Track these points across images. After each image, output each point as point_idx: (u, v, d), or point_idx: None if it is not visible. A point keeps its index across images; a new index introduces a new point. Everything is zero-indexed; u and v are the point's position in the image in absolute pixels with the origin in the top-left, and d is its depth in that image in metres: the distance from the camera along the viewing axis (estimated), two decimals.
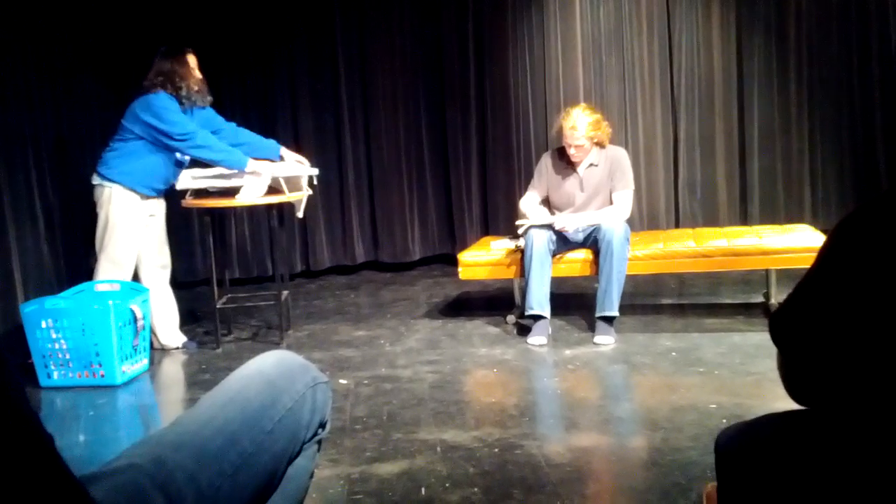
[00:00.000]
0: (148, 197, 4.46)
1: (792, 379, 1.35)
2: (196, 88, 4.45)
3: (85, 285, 4.32)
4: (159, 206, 4.59)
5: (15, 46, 4.84)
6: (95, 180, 4.40)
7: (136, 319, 4.15)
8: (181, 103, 4.37)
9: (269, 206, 4.70)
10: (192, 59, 4.48)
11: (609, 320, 4.29)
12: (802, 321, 1.29)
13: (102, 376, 4.00)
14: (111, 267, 4.36)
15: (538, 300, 4.33)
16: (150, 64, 4.46)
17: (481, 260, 4.67)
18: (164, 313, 4.58)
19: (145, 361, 4.26)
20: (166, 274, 4.64)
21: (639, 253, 4.45)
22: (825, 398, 1.33)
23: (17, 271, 4.60)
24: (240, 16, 6.44)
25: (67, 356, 4.02)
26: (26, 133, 4.85)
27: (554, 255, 4.45)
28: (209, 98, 4.56)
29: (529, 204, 4.63)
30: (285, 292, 4.85)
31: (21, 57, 4.92)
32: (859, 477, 1.25)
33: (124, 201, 4.37)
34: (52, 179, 5.03)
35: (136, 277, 4.49)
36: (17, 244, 4.61)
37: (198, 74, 4.51)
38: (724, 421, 2.97)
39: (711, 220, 6.49)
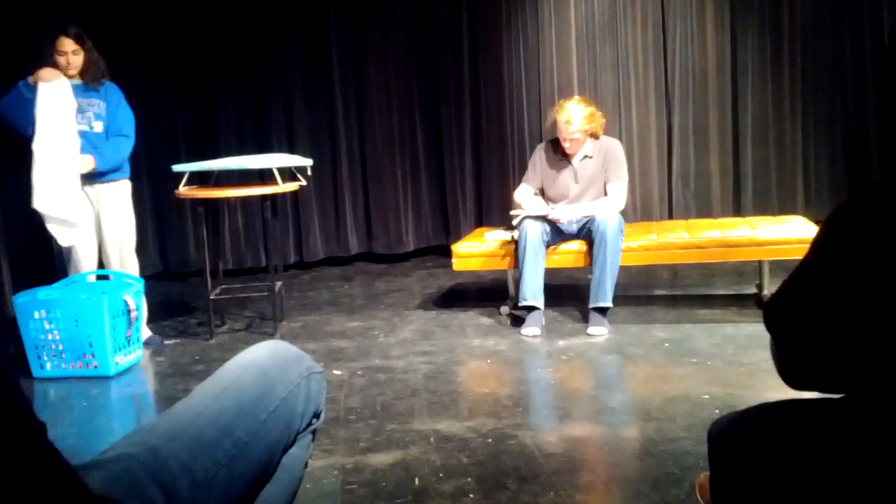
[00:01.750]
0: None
1: (786, 366, 1.36)
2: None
3: (77, 276, 4.31)
4: (103, 195, 4.41)
5: (5, 37, 4.82)
6: None
7: (128, 310, 4.14)
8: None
9: (264, 197, 4.69)
10: (61, 43, 4.26)
11: (603, 311, 4.30)
12: (797, 308, 1.30)
13: (96, 367, 4.00)
14: (68, 264, 4.32)
15: (532, 291, 4.33)
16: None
17: (475, 251, 4.67)
18: None
19: (139, 352, 4.26)
20: (130, 267, 4.47)
21: (632, 244, 4.45)
22: (819, 384, 1.34)
23: (6, 262, 4.59)
24: (233, 7, 6.41)
25: (60, 347, 4.01)
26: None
27: (548, 246, 4.45)
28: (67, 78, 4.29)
29: (524, 195, 4.63)
30: (279, 283, 4.84)
31: (12, 49, 4.90)
32: (852, 465, 1.25)
33: None
34: None
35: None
36: (5, 235, 4.60)
37: (57, 59, 4.25)
38: (717, 411, 2.98)
39: (705, 211, 6.51)
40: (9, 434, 0.90)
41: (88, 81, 4.37)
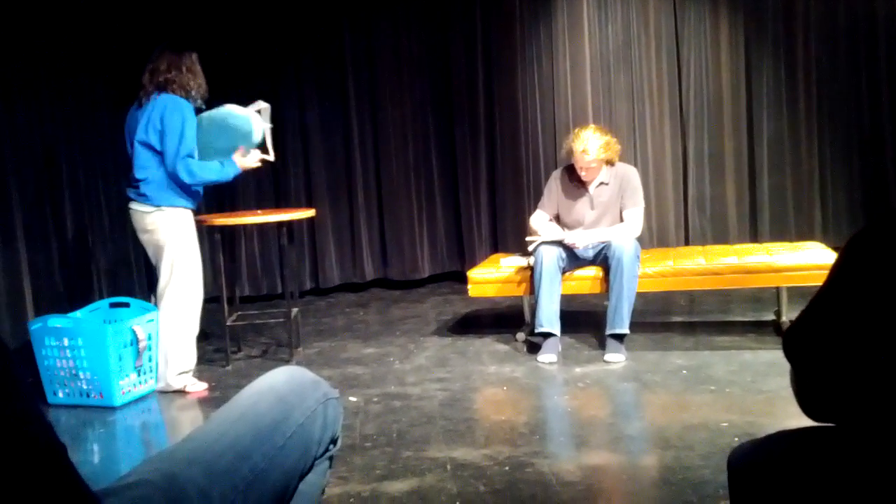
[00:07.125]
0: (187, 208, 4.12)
1: (805, 395, 1.35)
2: (202, 91, 4.15)
3: (101, 303, 4.32)
4: (153, 221, 4.09)
5: (37, 69, 4.89)
6: (142, 207, 4.04)
7: (138, 340, 4.03)
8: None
9: (280, 224, 4.71)
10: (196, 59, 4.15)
11: (619, 338, 4.27)
12: (816, 337, 1.29)
13: (101, 397, 3.94)
14: (184, 290, 4.08)
15: (548, 317, 4.32)
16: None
17: (491, 277, 4.66)
18: (160, 347, 4.14)
19: (153, 382, 4.22)
20: (163, 301, 4.13)
21: (649, 270, 4.44)
22: (839, 414, 1.32)
23: (29, 289, 4.62)
24: (247, 36, 6.48)
25: (72, 374, 3.99)
26: (38, 152, 4.90)
27: (564, 272, 4.44)
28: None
29: (540, 221, 4.63)
30: (295, 310, 4.85)
31: (34, 76, 4.97)
32: (873, 494, 1.24)
33: (177, 221, 4.06)
34: (66, 197, 5.06)
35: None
36: (28, 262, 4.63)
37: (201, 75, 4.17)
38: (736, 439, 2.95)
39: (721, 237, 6.48)
40: (30, 454, 0.90)
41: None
